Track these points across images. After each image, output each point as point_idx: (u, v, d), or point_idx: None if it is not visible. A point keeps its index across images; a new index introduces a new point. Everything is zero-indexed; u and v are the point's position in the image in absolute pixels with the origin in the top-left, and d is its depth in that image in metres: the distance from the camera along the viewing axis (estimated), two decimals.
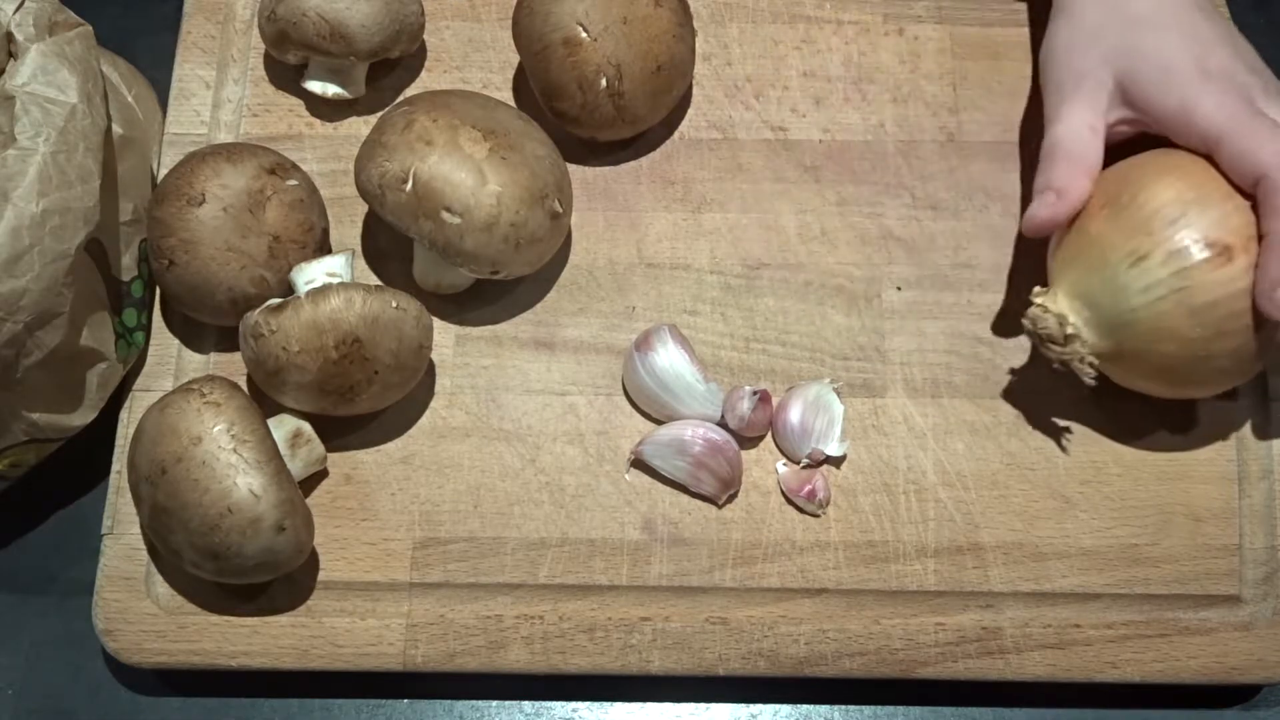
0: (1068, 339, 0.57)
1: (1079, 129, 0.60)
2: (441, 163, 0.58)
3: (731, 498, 0.60)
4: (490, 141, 0.59)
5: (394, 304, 0.57)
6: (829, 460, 0.61)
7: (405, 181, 0.58)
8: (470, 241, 0.59)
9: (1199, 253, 0.54)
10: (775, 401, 0.62)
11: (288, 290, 0.60)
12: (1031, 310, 0.58)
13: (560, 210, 0.61)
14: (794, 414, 0.61)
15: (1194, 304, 0.55)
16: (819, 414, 0.61)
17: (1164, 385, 0.58)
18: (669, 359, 0.61)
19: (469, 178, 0.58)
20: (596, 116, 0.64)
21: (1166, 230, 0.55)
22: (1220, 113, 0.57)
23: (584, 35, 0.62)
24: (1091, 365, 0.58)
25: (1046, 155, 0.60)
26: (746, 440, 0.62)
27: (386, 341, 0.57)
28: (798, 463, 0.61)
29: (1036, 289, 0.59)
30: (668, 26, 0.63)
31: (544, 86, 0.64)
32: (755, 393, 0.60)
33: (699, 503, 0.61)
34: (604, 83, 0.62)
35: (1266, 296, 0.54)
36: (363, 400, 0.59)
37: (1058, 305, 0.58)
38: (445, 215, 0.58)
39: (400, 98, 0.69)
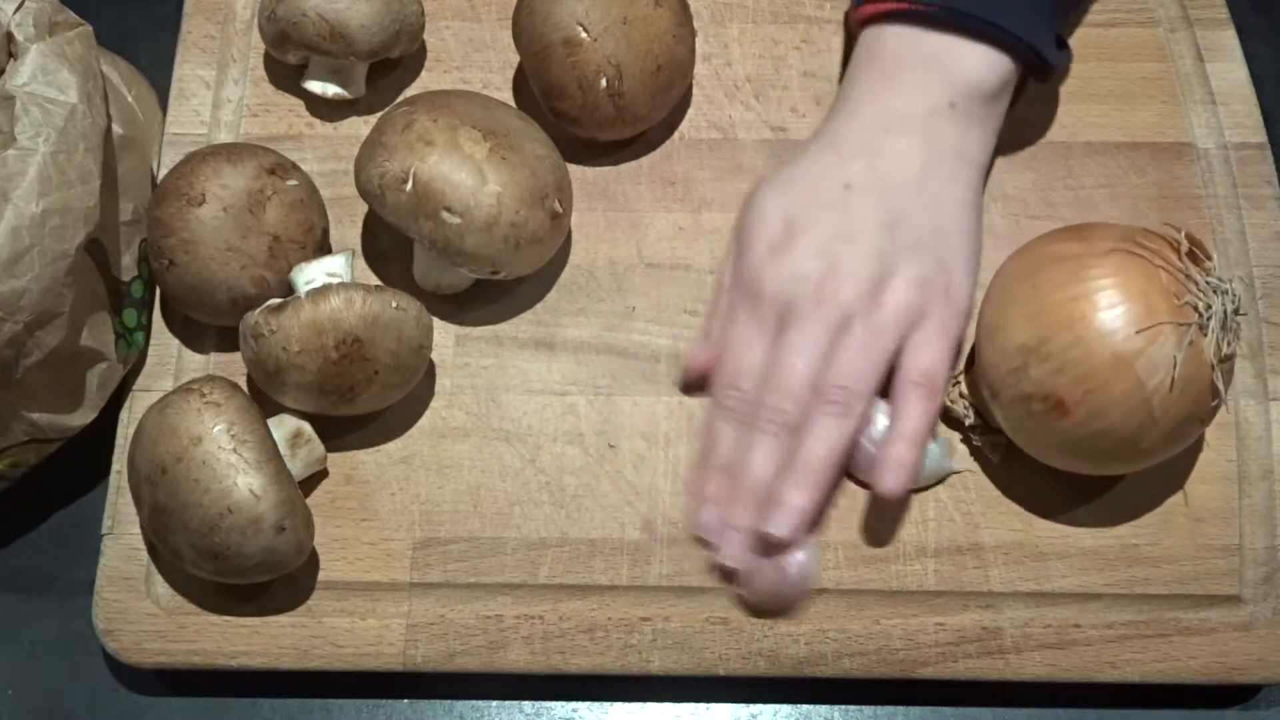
0: (971, 427, 0.61)
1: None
2: (441, 163, 0.58)
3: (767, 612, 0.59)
4: (490, 141, 0.59)
5: (394, 304, 0.57)
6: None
7: (405, 181, 0.58)
8: (470, 241, 0.59)
9: (1037, 406, 0.56)
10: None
11: (288, 290, 0.60)
12: (949, 394, 0.61)
13: (560, 210, 0.61)
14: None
15: (1043, 441, 0.57)
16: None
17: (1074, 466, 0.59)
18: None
19: (469, 178, 0.58)
20: (596, 116, 0.64)
21: (1011, 376, 0.56)
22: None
23: (584, 35, 0.62)
24: (996, 447, 0.61)
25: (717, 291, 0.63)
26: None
27: (386, 341, 0.57)
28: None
29: (962, 369, 0.62)
30: (668, 26, 0.63)
31: (544, 86, 0.64)
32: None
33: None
34: (604, 83, 0.62)
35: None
36: (363, 400, 0.59)
37: (964, 393, 0.61)
38: (445, 215, 0.58)
39: (400, 98, 0.69)
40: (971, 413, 0.61)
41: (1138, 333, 0.53)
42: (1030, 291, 0.56)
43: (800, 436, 0.58)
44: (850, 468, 0.60)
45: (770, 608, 0.58)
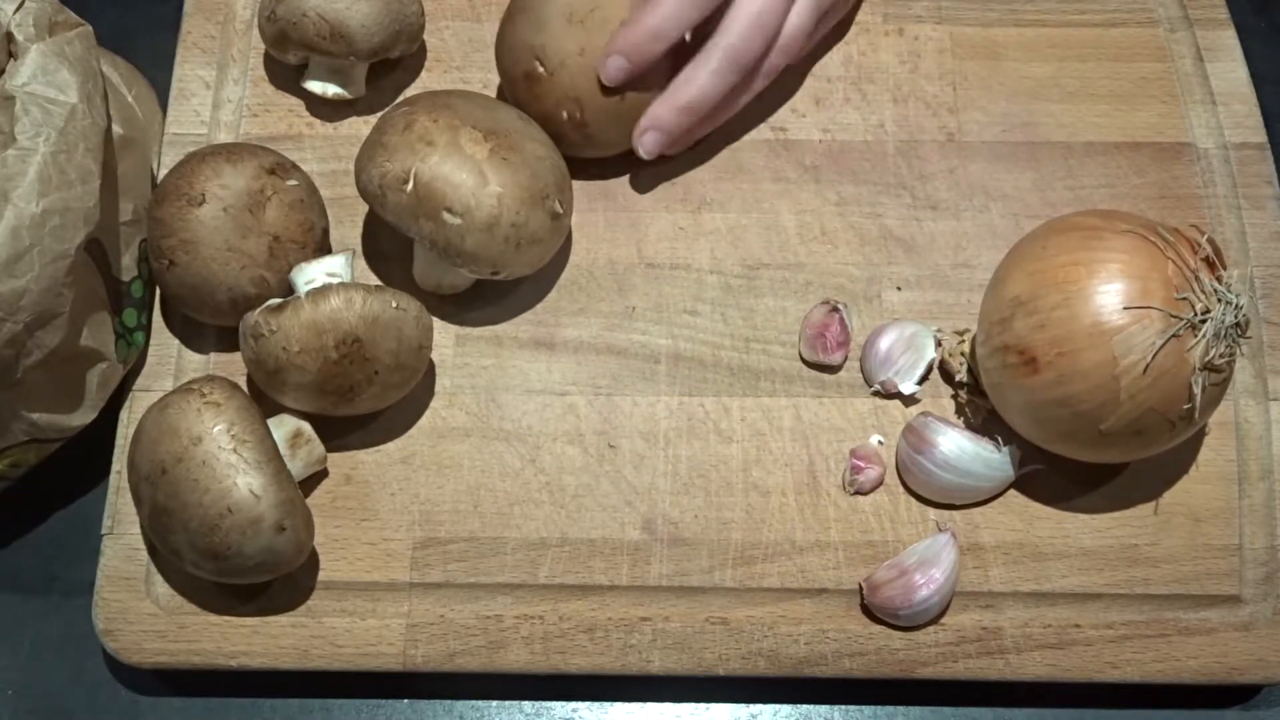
0: (961, 384, 0.62)
1: None
2: (442, 163, 0.58)
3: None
4: (491, 142, 0.59)
5: (394, 304, 0.57)
6: (899, 396, 0.62)
7: (406, 182, 0.58)
8: (471, 242, 0.59)
9: (1011, 359, 0.56)
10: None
11: (288, 290, 0.60)
12: (946, 344, 0.62)
13: (561, 211, 0.61)
14: (884, 341, 0.62)
15: (1010, 399, 0.58)
16: (908, 350, 0.62)
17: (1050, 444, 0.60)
18: (954, 444, 0.59)
19: (470, 178, 0.58)
20: (568, 142, 0.64)
21: (997, 327, 0.57)
22: None
23: (540, 70, 0.62)
24: (978, 410, 0.62)
25: None
26: (833, 358, 0.63)
27: (386, 341, 0.57)
28: (873, 388, 0.63)
29: (963, 331, 0.63)
30: None
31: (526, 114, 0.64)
32: (827, 302, 0.63)
33: (699, 502, 0.61)
34: (565, 115, 0.63)
35: (600, 63, 0.62)
36: (363, 400, 0.59)
37: (965, 351, 0.62)
38: (446, 216, 0.58)
39: (400, 97, 0.69)
40: (965, 371, 0.62)
41: (1125, 309, 0.53)
42: (1040, 251, 0.57)
43: None
44: (905, 479, 0.61)
45: (912, 623, 0.58)
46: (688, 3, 0.61)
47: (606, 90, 0.62)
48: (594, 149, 0.65)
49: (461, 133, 0.59)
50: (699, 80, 0.63)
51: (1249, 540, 0.60)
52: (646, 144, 0.64)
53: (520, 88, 0.63)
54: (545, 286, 0.65)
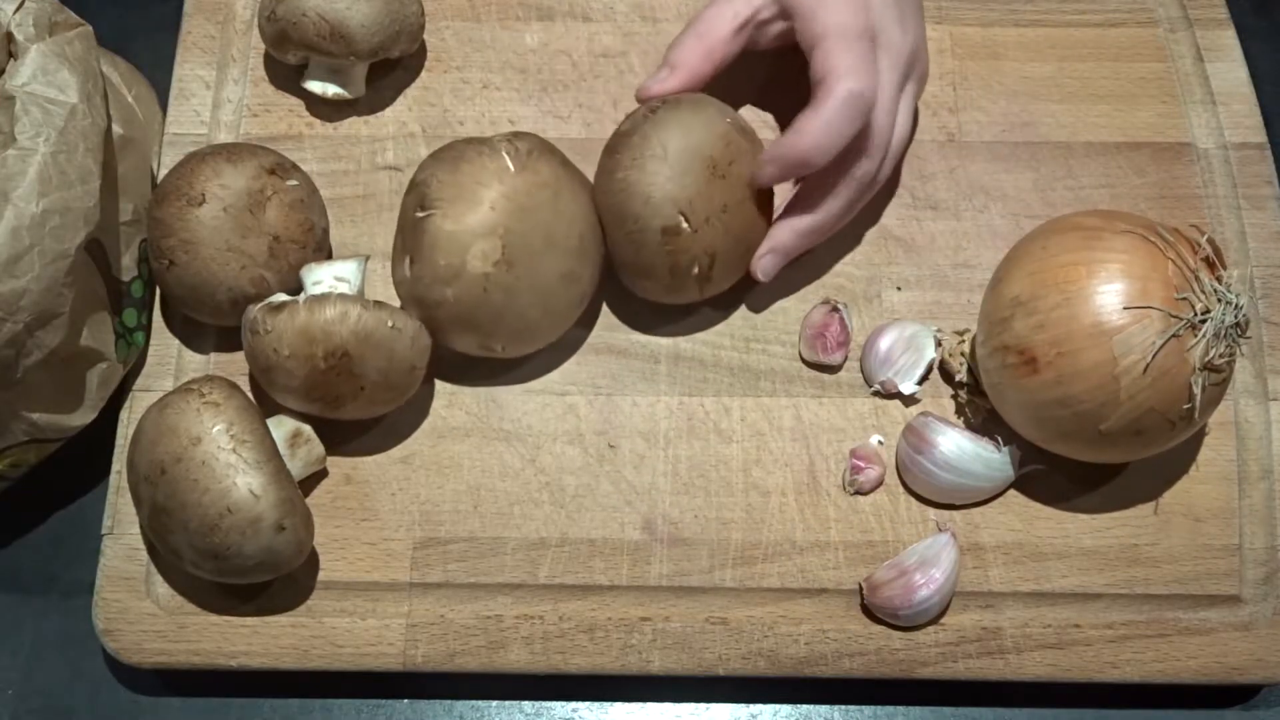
0: (961, 384, 0.62)
1: (721, 13, 0.62)
2: (448, 238, 0.57)
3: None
4: (496, 269, 0.58)
5: (390, 323, 0.57)
6: (899, 396, 0.62)
7: (423, 207, 0.58)
8: (405, 292, 0.59)
9: (1011, 359, 0.56)
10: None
11: (291, 288, 0.60)
12: (946, 344, 0.63)
13: (497, 353, 0.60)
14: (884, 341, 0.62)
15: (1010, 399, 0.58)
16: (908, 350, 0.62)
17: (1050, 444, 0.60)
18: (954, 444, 0.59)
19: (445, 265, 0.57)
20: (678, 294, 0.62)
21: (997, 327, 0.57)
22: (836, 18, 0.59)
23: (685, 226, 0.59)
24: (978, 410, 0.62)
25: (685, 29, 0.62)
26: (833, 358, 0.63)
27: (376, 360, 0.57)
28: (873, 388, 0.63)
29: (963, 331, 0.63)
30: (765, 204, 0.62)
31: (629, 264, 0.61)
32: (827, 302, 0.63)
33: (699, 502, 0.61)
34: (695, 269, 0.60)
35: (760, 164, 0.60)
36: (349, 409, 0.58)
37: (965, 351, 0.62)
38: (406, 259, 0.58)
39: (400, 98, 0.69)
40: (965, 371, 0.62)
41: (1125, 309, 0.53)
42: (1040, 252, 0.57)
43: None
44: (905, 479, 0.61)
45: (912, 623, 0.58)
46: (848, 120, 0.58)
47: (738, 244, 0.61)
48: (702, 294, 0.62)
49: (488, 240, 0.57)
50: (829, 206, 0.61)
51: (1249, 540, 0.60)
52: (765, 267, 0.62)
53: (651, 240, 0.59)
54: None
